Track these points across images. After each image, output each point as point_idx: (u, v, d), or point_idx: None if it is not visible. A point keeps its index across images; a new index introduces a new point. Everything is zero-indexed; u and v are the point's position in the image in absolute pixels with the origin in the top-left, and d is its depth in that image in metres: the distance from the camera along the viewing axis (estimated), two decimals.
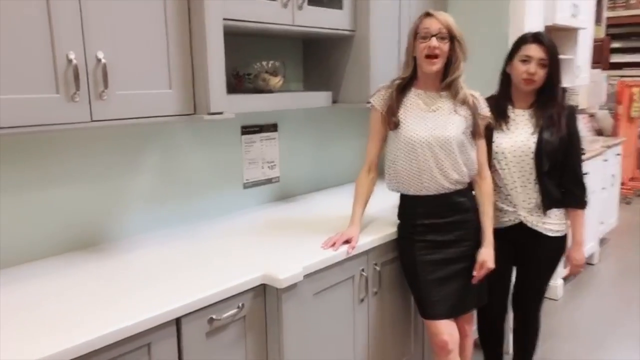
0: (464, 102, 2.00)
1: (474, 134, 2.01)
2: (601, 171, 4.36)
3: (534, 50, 2.13)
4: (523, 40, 2.18)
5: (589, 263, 4.36)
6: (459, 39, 1.95)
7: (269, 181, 2.60)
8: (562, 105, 2.21)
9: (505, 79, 2.26)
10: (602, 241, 4.76)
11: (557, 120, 2.17)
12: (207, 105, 1.80)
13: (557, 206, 2.22)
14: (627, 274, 4.22)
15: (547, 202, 2.19)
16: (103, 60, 1.54)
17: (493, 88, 2.29)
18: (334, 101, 2.52)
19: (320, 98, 2.44)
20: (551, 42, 2.15)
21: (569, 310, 3.60)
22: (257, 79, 2.20)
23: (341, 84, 2.53)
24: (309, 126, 2.76)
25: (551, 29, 3.67)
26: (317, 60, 2.62)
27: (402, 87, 2.05)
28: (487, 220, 2.09)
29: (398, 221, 2.16)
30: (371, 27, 2.39)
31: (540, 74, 2.13)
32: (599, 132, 5.31)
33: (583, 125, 4.95)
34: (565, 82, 4.30)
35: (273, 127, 2.58)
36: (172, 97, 1.76)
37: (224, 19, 1.82)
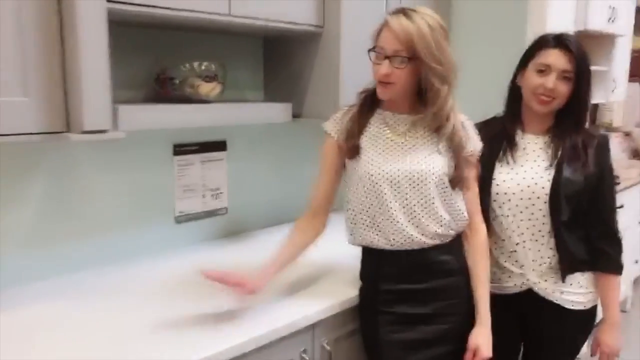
0: (450, 138, 1.46)
1: (456, 183, 1.46)
2: (637, 202, 3.73)
3: (555, 58, 1.56)
4: (542, 43, 1.60)
5: (621, 310, 3.71)
6: (426, 59, 1.35)
7: (212, 214, 2.06)
8: (590, 133, 1.63)
9: (515, 93, 1.68)
10: (637, 282, 4.11)
11: (582, 152, 1.59)
12: (80, 121, 1.28)
13: (582, 269, 1.64)
14: None
15: (567, 264, 1.61)
16: None
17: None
18: (296, 115, 1.98)
19: (275, 112, 1.90)
20: (580, 47, 1.58)
21: None
22: (184, 85, 1.67)
23: (306, 94, 1.99)
24: (268, 144, 2.21)
25: (582, 36, 3.09)
26: (280, 64, 2.08)
27: (369, 104, 1.51)
28: (481, 288, 1.52)
29: (360, 282, 1.60)
30: (343, 22, 1.85)
31: (562, 90, 1.56)
32: (635, 153, 4.67)
33: (617, 146, 4.33)
34: (598, 98, 3.72)
35: (219, 146, 2.05)
36: (30, 109, 1.25)
37: (109, 1, 1.30)
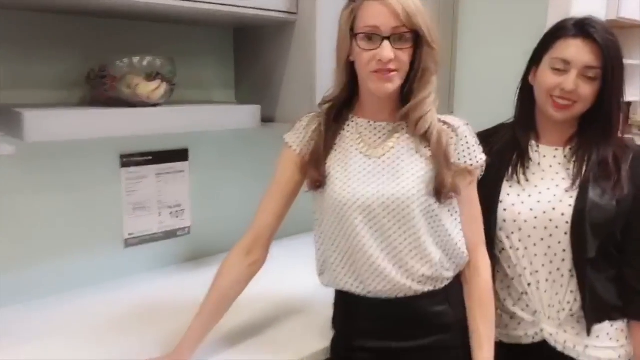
0: (433, 139, 1.12)
1: (437, 195, 1.12)
2: None
3: (576, 51, 1.21)
4: (559, 32, 1.26)
5: None
6: (428, 37, 1.07)
7: (171, 234, 1.76)
8: (623, 144, 1.28)
9: (527, 94, 1.34)
10: None
11: (614, 168, 1.24)
12: None
13: (612, 318, 1.29)
14: None
15: (594, 312, 1.27)
16: None
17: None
18: (269, 119, 1.67)
19: (239, 116, 1.59)
20: (609, 36, 1.23)
21: None
22: (121, 84, 1.37)
23: (279, 95, 1.68)
24: (238, 153, 1.90)
25: (614, 26, 2.71)
26: (252, 59, 1.77)
27: (336, 115, 1.19)
28: (482, 349, 1.17)
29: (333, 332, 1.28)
30: (319, 8, 1.53)
31: (585, 92, 1.22)
32: None
33: None
34: (631, 95, 3.34)
35: (180, 155, 1.75)
36: None
37: None
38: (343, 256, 1.14)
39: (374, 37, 1.06)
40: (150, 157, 1.68)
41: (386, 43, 1.05)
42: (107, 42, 1.52)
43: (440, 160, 1.10)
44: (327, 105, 1.19)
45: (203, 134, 1.78)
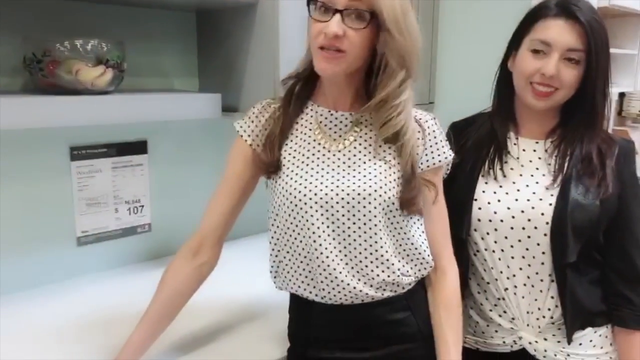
0: (400, 146, 1.00)
1: (408, 206, 1.00)
2: None
3: (557, 31, 1.10)
4: (540, 12, 1.14)
5: None
6: (390, 24, 0.93)
7: (130, 232, 1.65)
8: (609, 137, 1.17)
9: (505, 81, 1.23)
10: None
11: (598, 165, 1.13)
12: None
13: (596, 324, 1.20)
14: None
15: (575, 319, 1.16)
16: None
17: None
18: (232, 109, 1.55)
19: (198, 105, 1.47)
20: (594, 16, 1.11)
21: None
22: (60, 70, 1.25)
23: (242, 83, 1.56)
24: (201, 145, 1.77)
25: (606, 14, 2.60)
26: (215, 45, 1.65)
27: (296, 97, 1.07)
28: (451, 350, 1.06)
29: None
30: None
31: (568, 77, 1.10)
32: None
33: None
34: (624, 86, 3.24)
35: (138, 148, 1.63)
36: None
37: None
38: (297, 257, 1.03)
39: (328, 8, 0.94)
40: (105, 150, 1.56)
41: (337, 16, 0.92)
42: (55, 25, 1.40)
43: (406, 170, 0.99)
44: (287, 85, 1.07)
45: (163, 125, 1.66)
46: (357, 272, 1.01)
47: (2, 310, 1.34)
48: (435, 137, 1.05)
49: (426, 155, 1.03)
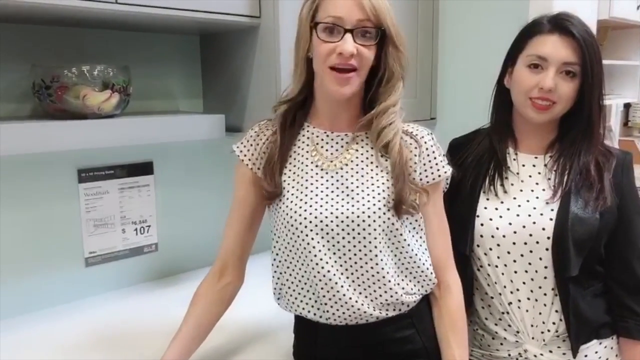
0: (394, 153, 1.02)
1: (396, 210, 1.01)
2: None
3: (553, 46, 1.12)
4: (534, 29, 1.17)
5: None
6: (395, 37, 0.98)
7: (137, 252, 1.67)
8: (607, 150, 1.19)
9: (503, 98, 1.25)
10: None
11: (596, 177, 1.15)
12: None
13: (601, 336, 1.20)
14: None
15: (580, 332, 1.17)
16: None
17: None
18: (236, 129, 1.58)
19: (202, 126, 1.49)
20: (586, 31, 1.14)
21: None
22: (68, 95, 1.29)
23: (246, 103, 1.59)
24: (206, 166, 1.80)
25: (607, 26, 2.62)
26: (219, 67, 1.68)
27: (292, 120, 1.09)
28: None
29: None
30: (281, 11, 1.44)
31: (565, 90, 1.12)
32: None
33: None
34: (629, 97, 3.24)
35: (144, 169, 1.66)
36: None
37: None
38: (300, 279, 1.05)
39: (336, 29, 0.96)
40: (112, 171, 1.59)
41: (348, 36, 0.95)
42: (62, 51, 1.44)
43: (399, 175, 1.01)
44: (282, 108, 1.09)
45: (168, 146, 1.69)
46: (360, 293, 1.02)
47: (11, 331, 1.36)
48: (432, 152, 1.06)
49: (425, 171, 1.05)
